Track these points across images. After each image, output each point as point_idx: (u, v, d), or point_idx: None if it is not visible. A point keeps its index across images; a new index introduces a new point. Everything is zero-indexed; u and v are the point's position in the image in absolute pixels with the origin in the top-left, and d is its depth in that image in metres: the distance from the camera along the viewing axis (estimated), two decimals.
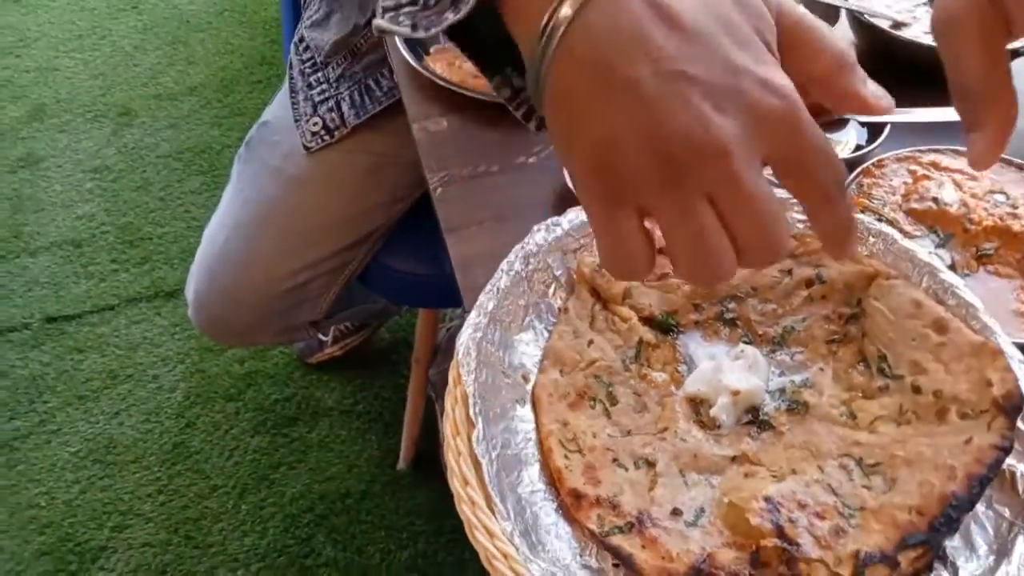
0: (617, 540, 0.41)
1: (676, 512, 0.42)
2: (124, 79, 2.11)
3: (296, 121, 0.93)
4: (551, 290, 0.50)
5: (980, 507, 0.39)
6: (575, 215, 0.52)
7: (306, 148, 0.90)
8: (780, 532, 0.40)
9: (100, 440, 1.42)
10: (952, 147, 0.60)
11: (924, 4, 0.77)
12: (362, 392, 1.46)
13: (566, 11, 0.31)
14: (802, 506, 0.41)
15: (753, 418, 0.46)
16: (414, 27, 0.38)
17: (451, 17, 0.36)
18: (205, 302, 0.95)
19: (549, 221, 0.52)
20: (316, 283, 0.97)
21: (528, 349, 0.48)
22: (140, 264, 1.68)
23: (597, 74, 0.31)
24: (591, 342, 0.49)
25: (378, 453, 1.38)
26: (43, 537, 1.30)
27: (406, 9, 0.39)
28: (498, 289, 0.48)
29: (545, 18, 0.32)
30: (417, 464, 1.34)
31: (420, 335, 1.23)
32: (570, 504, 0.42)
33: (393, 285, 1.05)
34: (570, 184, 0.52)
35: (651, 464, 0.44)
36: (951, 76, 0.37)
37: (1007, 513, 0.39)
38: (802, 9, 0.36)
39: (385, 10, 0.39)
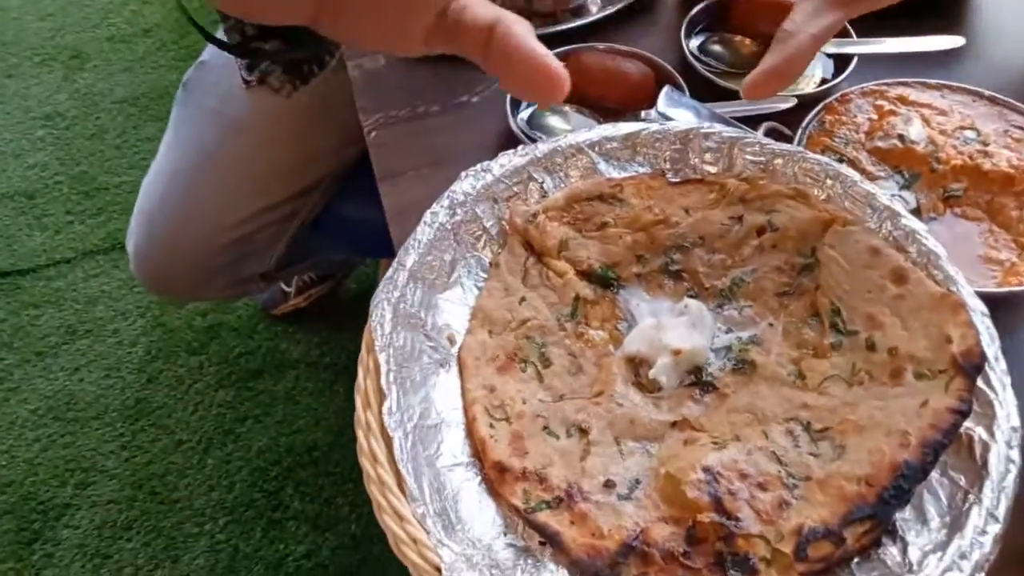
0: (543, 517, 0.37)
1: (608, 484, 0.39)
2: (75, 20, 2.00)
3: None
4: (480, 243, 0.46)
5: (934, 474, 0.36)
6: (507, 160, 0.47)
7: (246, 83, 0.84)
8: (719, 505, 0.36)
9: (60, 397, 1.38)
10: (921, 80, 0.55)
11: None
12: (328, 344, 1.43)
13: None
14: (743, 476, 0.38)
15: (696, 379, 0.43)
16: None
17: None
18: (145, 255, 0.90)
19: (478, 166, 0.47)
20: (263, 234, 0.92)
21: (454, 308, 0.44)
22: (96, 215, 1.62)
23: None
24: (523, 299, 0.45)
25: (345, 405, 1.35)
26: (4, 496, 1.28)
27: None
28: (419, 243, 0.44)
29: None
30: None
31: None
32: (493, 478, 0.39)
33: (347, 234, 1.00)
34: (513, 245, 0.48)
35: (584, 431, 0.41)
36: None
37: (962, 481, 0.36)
38: None
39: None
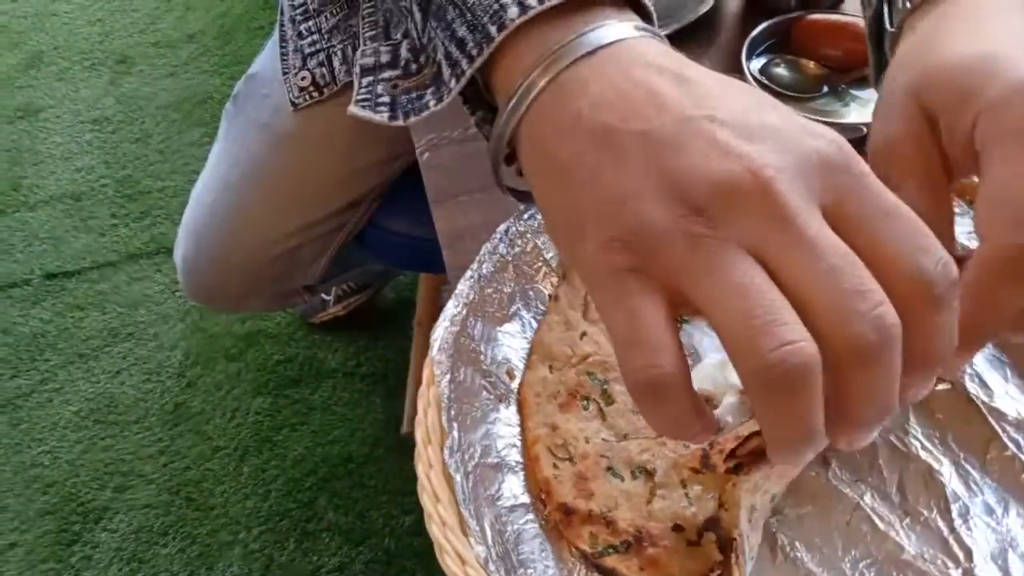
0: (612, 561, 0.36)
1: (677, 528, 0.38)
2: (122, 25, 2.04)
3: (284, 74, 0.87)
4: (540, 275, 0.45)
5: (1020, 532, 0.35)
6: None
7: (293, 104, 0.84)
8: None
9: (101, 399, 1.40)
10: None
11: None
12: (366, 353, 1.43)
13: (548, 70, 0.28)
14: None
15: None
16: (393, 115, 0.34)
17: (432, 104, 0.33)
18: (193, 268, 0.91)
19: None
20: (310, 247, 0.92)
21: (514, 342, 0.43)
22: (140, 219, 1.64)
23: (606, 136, 0.26)
24: (584, 334, 0.44)
25: (382, 416, 1.35)
26: (47, 496, 1.30)
27: (386, 74, 0.35)
28: (479, 276, 0.43)
29: (520, 83, 0.29)
30: None
31: (422, 298, 1.19)
32: (559, 520, 0.38)
33: (391, 248, 1.00)
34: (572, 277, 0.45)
35: (650, 473, 0.40)
36: None
37: None
38: None
39: (363, 70, 0.36)
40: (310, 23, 0.88)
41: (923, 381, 0.26)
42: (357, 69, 0.37)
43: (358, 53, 0.37)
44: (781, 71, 0.64)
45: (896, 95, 0.33)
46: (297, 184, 0.88)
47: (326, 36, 0.86)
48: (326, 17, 0.86)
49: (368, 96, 0.35)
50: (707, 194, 0.24)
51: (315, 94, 0.83)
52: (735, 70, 0.63)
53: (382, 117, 0.35)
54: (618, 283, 0.26)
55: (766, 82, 0.63)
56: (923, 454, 0.38)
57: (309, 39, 0.87)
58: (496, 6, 0.30)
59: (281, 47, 0.88)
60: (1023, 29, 0.32)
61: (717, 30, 0.69)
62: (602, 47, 0.28)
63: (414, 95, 0.34)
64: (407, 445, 1.46)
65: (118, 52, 1.97)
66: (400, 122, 0.35)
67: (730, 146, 0.25)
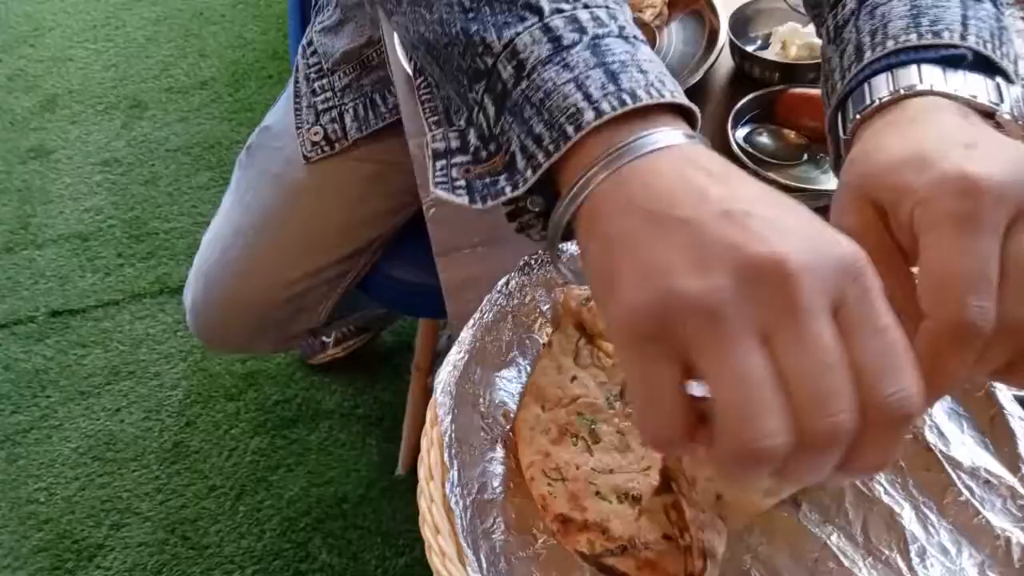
0: (611, 560, 0.40)
1: (668, 537, 0.41)
2: (136, 71, 2.10)
3: (298, 128, 0.92)
4: (536, 325, 0.49)
5: (972, 571, 0.38)
6: (565, 247, 0.50)
7: (306, 158, 0.89)
8: None
9: (100, 437, 1.42)
10: None
11: None
12: (363, 395, 1.45)
13: (610, 165, 0.33)
14: None
15: None
16: (471, 199, 0.39)
17: (508, 191, 0.38)
18: (202, 310, 0.94)
19: (538, 253, 0.50)
20: (315, 292, 0.96)
21: (510, 386, 0.47)
22: (146, 259, 1.68)
23: (653, 215, 0.31)
24: (574, 378, 0.47)
25: (377, 458, 1.37)
26: (41, 533, 1.31)
27: (458, 159, 0.40)
28: (481, 324, 0.47)
29: (584, 172, 0.33)
30: (416, 470, 1.33)
31: (420, 342, 1.22)
32: (558, 529, 0.41)
33: (393, 294, 1.04)
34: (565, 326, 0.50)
35: (636, 499, 0.43)
36: None
37: None
38: None
39: (436, 154, 0.40)
40: (323, 81, 0.93)
41: (855, 472, 0.29)
42: (429, 152, 0.41)
43: (428, 137, 0.42)
44: (764, 140, 0.69)
45: (847, 194, 0.38)
46: (305, 232, 0.92)
47: (339, 94, 0.91)
48: (339, 76, 0.91)
49: (445, 179, 0.39)
50: (735, 275, 0.28)
51: (327, 148, 0.88)
52: (722, 138, 0.68)
53: (463, 200, 0.39)
54: (640, 347, 0.29)
55: (750, 150, 0.67)
56: (886, 498, 0.41)
57: (322, 96, 0.92)
58: (574, 109, 0.35)
59: (295, 102, 0.93)
60: (949, 126, 0.37)
61: (706, 100, 0.74)
62: (657, 149, 0.33)
63: (488, 180, 0.38)
64: (402, 487, 1.48)
65: (131, 97, 2.03)
66: (479, 206, 0.39)
67: (763, 236, 0.28)
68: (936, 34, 0.41)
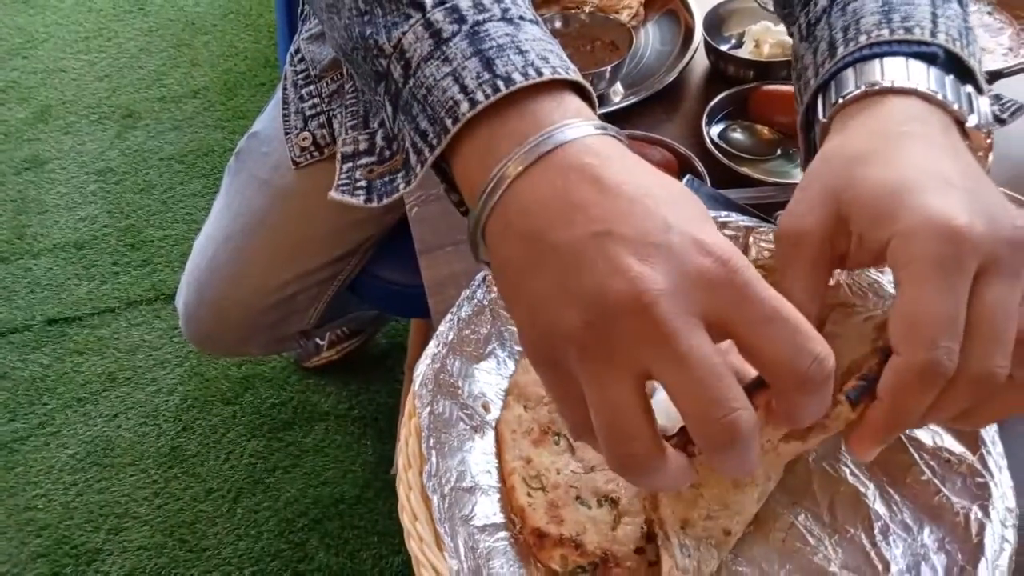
0: None
1: (639, 551, 0.42)
2: (129, 81, 2.12)
3: (286, 134, 0.93)
4: None
5: (932, 547, 0.39)
6: None
7: (295, 163, 0.90)
8: None
9: (98, 443, 1.43)
10: None
11: None
12: (358, 397, 1.47)
13: (498, 188, 0.33)
14: None
15: None
16: (368, 198, 0.40)
17: (402, 187, 0.39)
18: (194, 314, 0.95)
19: None
20: (305, 295, 0.97)
21: (489, 378, 0.48)
22: (141, 267, 1.70)
23: (528, 243, 0.32)
24: None
25: (372, 458, 1.39)
26: (40, 539, 1.32)
27: (363, 161, 0.41)
28: (459, 318, 0.48)
29: (479, 195, 0.34)
30: None
31: (412, 343, 1.23)
32: (533, 543, 0.42)
33: (383, 295, 1.05)
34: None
35: (614, 502, 0.44)
36: (780, 283, 0.38)
37: (959, 557, 0.38)
38: None
39: (344, 158, 0.41)
40: (311, 87, 0.94)
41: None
42: (338, 156, 0.43)
43: (339, 142, 0.44)
44: (738, 136, 0.70)
45: (817, 192, 0.38)
46: (294, 236, 0.94)
47: (326, 100, 0.92)
48: (327, 83, 0.92)
49: (348, 182, 0.41)
50: (600, 311, 0.30)
51: (315, 153, 0.89)
52: (697, 135, 0.70)
53: (359, 200, 0.41)
54: (544, 371, 0.32)
55: (724, 145, 0.69)
56: (851, 479, 0.43)
57: (310, 102, 0.93)
58: (451, 103, 0.36)
59: (283, 108, 0.94)
60: (934, 150, 0.37)
61: (682, 98, 0.76)
62: (540, 158, 0.33)
63: (387, 179, 0.40)
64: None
65: (125, 107, 2.04)
66: (375, 204, 0.40)
67: (622, 267, 0.29)
68: (908, 30, 0.41)
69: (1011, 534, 0.38)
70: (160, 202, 1.82)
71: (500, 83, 0.35)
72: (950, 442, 0.43)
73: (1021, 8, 0.75)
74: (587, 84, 0.38)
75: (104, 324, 1.60)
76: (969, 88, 0.41)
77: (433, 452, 0.43)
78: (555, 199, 0.32)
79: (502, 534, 0.42)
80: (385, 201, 0.40)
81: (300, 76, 0.95)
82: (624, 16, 0.79)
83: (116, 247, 1.73)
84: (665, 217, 0.31)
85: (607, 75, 0.74)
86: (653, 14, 0.83)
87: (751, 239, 0.51)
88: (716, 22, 0.78)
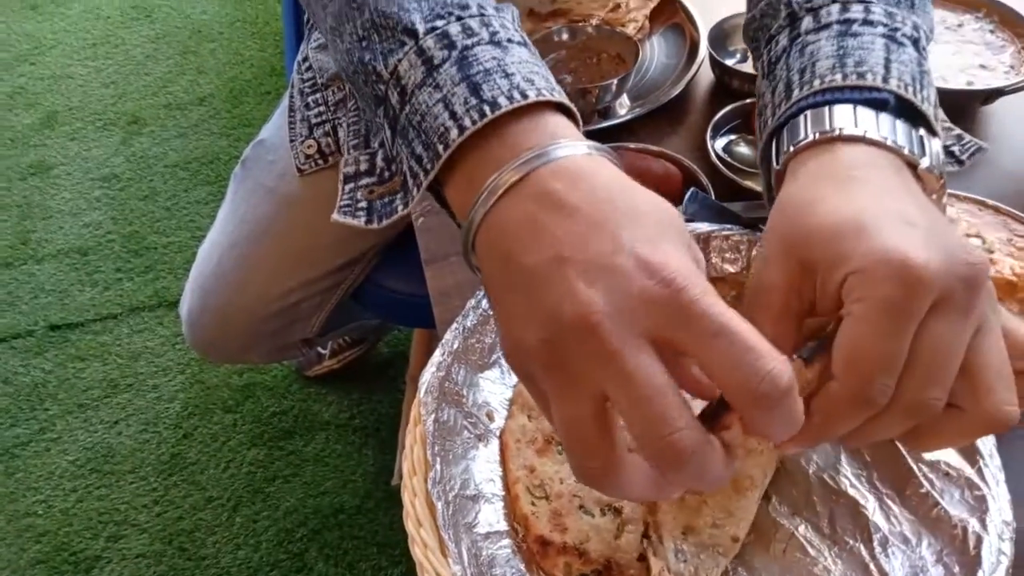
0: None
1: (642, 559, 0.42)
2: (135, 88, 2.13)
3: (291, 141, 0.94)
4: None
5: (930, 559, 0.39)
6: None
7: (299, 171, 0.91)
8: None
9: (99, 449, 1.43)
10: None
11: None
12: (359, 406, 1.47)
13: (480, 211, 0.36)
14: None
15: None
16: (369, 219, 0.42)
17: (400, 209, 0.41)
18: (197, 321, 0.96)
19: None
20: (308, 303, 0.97)
21: (494, 387, 0.49)
22: (144, 273, 1.70)
23: (504, 263, 0.34)
24: None
25: (373, 469, 1.39)
26: (39, 546, 1.32)
27: (364, 181, 0.43)
28: (464, 327, 0.49)
29: (468, 216, 0.36)
30: None
31: (415, 353, 1.24)
32: (536, 551, 0.42)
33: (386, 304, 1.05)
34: None
35: (618, 510, 0.44)
36: None
37: (956, 570, 0.39)
38: None
39: (346, 178, 0.43)
40: (317, 95, 0.95)
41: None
42: (341, 177, 0.44)
43: (341, 162, 0.45)
44: (742, 149, 0.71)
45: (776, 244, 0.38)
46: (298, 243, 0.94)
47: (332, 108, 0.93)
48: (333, 91, 0.93)
49: (350, 203, 0.42)
50: (557, 330, 0.32)
51: (320, 161, 0.90)
52: (701, 148, 0.70)
53: (360, 222, 0.42)
54: (522, 382, 0.35)
55: (729, 159, 0.69)
56: (852, 491, 0.43)
57: (316, 110, 0.94)
58: (442, 129, 0.38)
59: (290, 116, 0.95)
60: (887, 192, 0.37)
61: (687, 111, 0.76)
62: (514, 184, 0.35)
63: (387, 200, 0.41)
64: (397, 497, 1.49)
65: (130, 113, 2.06)
66: (375, 225, 0.42)
67: (572, 290, 0.31)
68: (860, 75, 0.42)
69: (1008, 547, 0.39)
70: (164, 209, 1.83)
71: (487, 108, 0.37)
72: (948, 454, 0.43)
73: (1022, 27, 0.76)
74: (570, 104, 0.39)
75: (106, 330, 1.61)
76: (922, 131, 0.41)
77: (438, 459, 0.43)
78: (525, 223, 0.34)
79: (505, 542, 0.43)
80: (385, 222, 0.41)
81: (307, 84, 0.96)
82: (630, 29, 0.80)
83: (120, 253, 1.74)
84: (618, 239, 0.32)
85: (613, 88, 0.74)
86: (658, 27, 0.83)
87: (754, 252, 0.52)
88: (721, 36, 0.79)
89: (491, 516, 0.44)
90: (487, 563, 0.41)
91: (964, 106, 0.72)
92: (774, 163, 0.44)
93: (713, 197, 0.63)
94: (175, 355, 1.56)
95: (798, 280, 0.37)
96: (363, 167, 0.43)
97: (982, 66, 0.73)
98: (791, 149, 0.42)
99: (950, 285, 0.33)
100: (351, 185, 0.42)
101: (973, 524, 0.40)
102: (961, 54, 0.75)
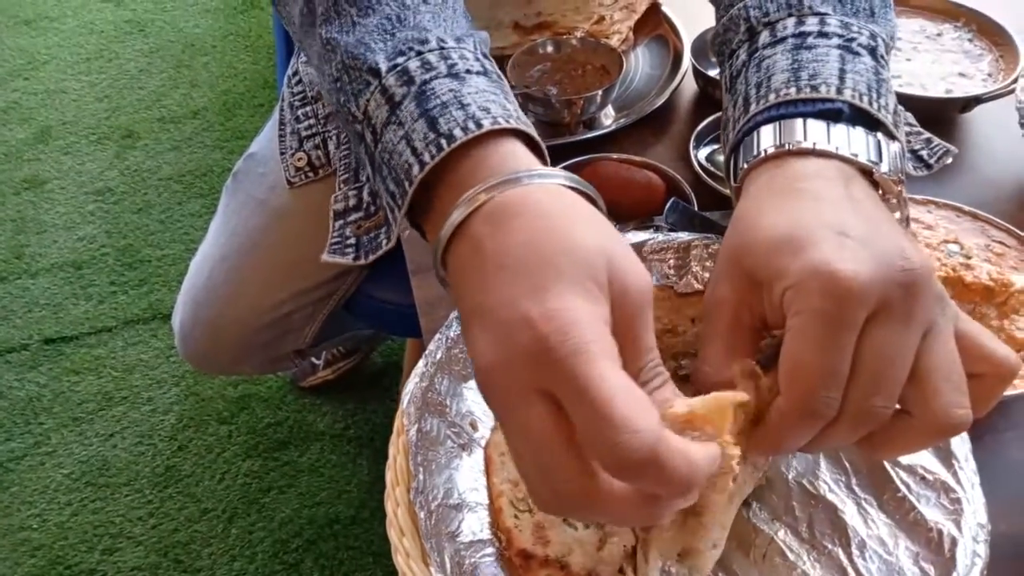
0: None
1: (622, 571, 0.43)
2: (129, 102, 2.14)
3: (282, 154, 0.94)
4: None
5: (908, 563, 0.40)
6: None
7: (289, 183, 0.91)
8: None
9: (93, 462, 1.44)
10: (910, 196, 0.61)
11: None
12: (353, 416, 1.47)
13: (439, 252, 0.38)
14: None
15: None
16: (357, 256, 0.43)
17: (385, 244, 0.42)
18: (189, 333, 0.96)
19: None
20: (300, 314, 0.98)
21: (477, 397, 0.49)
22: (138, 286, 1.71)
23: (456, 297, 0.37)
24: None
25: (368, 478, 1.39)
26: (34, 560, 1.32)
27: (352, 217, 0.44)
28: (447, 337, 0.49)
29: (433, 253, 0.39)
30: None
31: (408, 363, 1.24)
32: (519, 564, 0.43)
33: (378, 314, 1.06)
34: None
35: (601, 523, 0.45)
36: (698, 350, 0.40)
37: (932, 572, 0.39)
38: None
39: (335, 215, 0.45)
40: (307, 108, 0.96)
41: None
42: (331, 214, 0.46)
43: (332, 199, 0.47)
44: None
45: (726, 260, 0.39)
46: (289, 255, 0.95)
47: (322, 121, 0.94)
48: (323, 105, 0.94)
49: (339, 240, 0.44)
50: (476, 373, 0.34)
51: (310, 174, 0.91)
52: (684, 157, 0.71)
53: (348, 259, 0.44)
54: None
55: (712, 168, 0.70)
56: (830, 496, 0.44)
57: (306, 123, 0.95)
58: (407, 165, 0.39)
59: (280, 129, 0.96)
60: (827, 202, 0.38)
61: (671, 121, 0.77)
62: (461, 222, 0.36)
63: (372, 235, 0.43)
64: None
65: (124, 127, 2.06)
66: (363, 261, 0.43)
67: (474, 339, 0.33)
68: (814, 88, 0.43)
69: (983, 549, 0.39)
70: (158, 222, 1.83)
71: (443, 141, 0.38)
72: (925, 458, 0.44)
73: (1000, 35, 0.77)
74: (527, 127, 0.40)
75: (101, 344, 1.61)
76: (879, 136, 0.42)
77: (420, 469, 0.44)
78: (459, 270, 0.36)
79: (488, 550, 0.43)
80: (371, 258, 0.43)
81: (297, 97, 0.96)
82: (614, 41, 0.81)
83: (114, 267, 1.74)
84: (509, 291, 0.33)
85: (598, 99, 0.75)
86: (642, 39, 0.84)
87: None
88: (704, 47, 0.80)
89: (474, 525, 0.44)
90: (470, 572, 0.42)
91: (943, 114, 0.73)
92: (732, 180, 0.45)
93: (696, 206, 0.64)
94: (169, 368, 1.56)
95: (747, 294, 0.38)
96: (351, 203, 0.44)
97: (961, 74, 0.74)
98: (745, 165, 0.42)
99: (887, 293, 0.33)
100: (340, 222, 0.43)
101: (949, 527, 0.40)
102: (940, 62, 0.76)
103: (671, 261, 0.53)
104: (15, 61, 2.27)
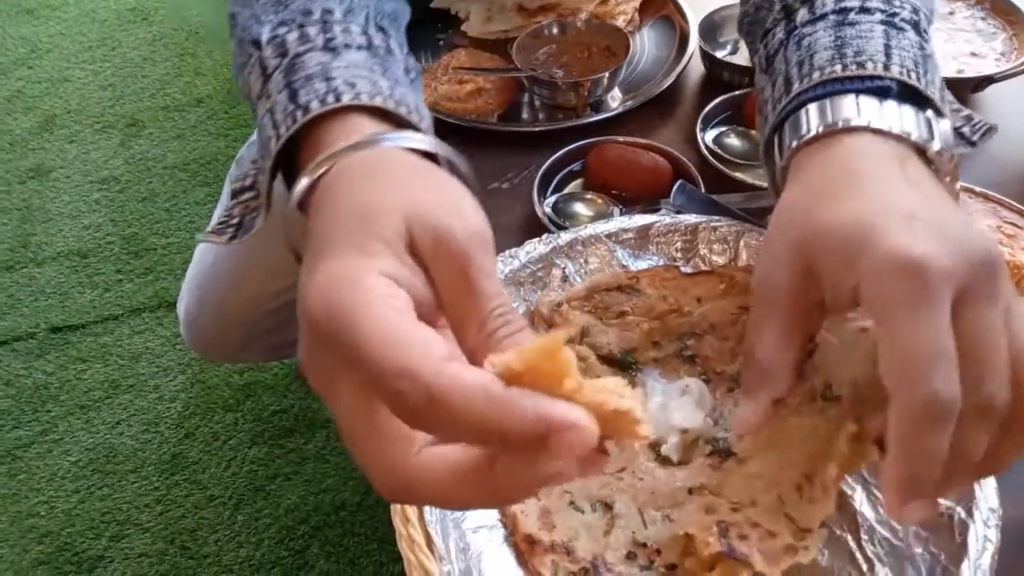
0: None
1: (630, 556, 0.42)
2: (133, 90, 2.14)
3: None
4: None
5: (917, 549, 0.39)
6: (532, 247, 0.52)
7: None
8: (731, 550, 0.39)
9: (100, 450, 1.44)
10: None
11: None
12: None
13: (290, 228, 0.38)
14: (755, 526, 0.40)
15: (714, 448, 0.46)
16: (234, 236, 0.42)
17: (258, 223, 0.41)
18: (194, 321, 0.96)
19: (506, 253, 0.52)
20: None
21: None
22: (144, 275, 1.71)
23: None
24: None
25: None
26: (42, 546, 1.32)
27: (245, 196, 0.43)
28: None
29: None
30: None
31: None
32: (524, 550, 0.42)
33: None
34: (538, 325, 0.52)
35: (608, 506, 0.44)
36: (747, 335, 0.38)
37: (942, 557, 0.39)
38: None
39: (234, 194, 0.43)
40: None
41: None
42: (230, 192, 0.44)
43: (228, 176, 0.46)
44: (733, 141, 0.70)
45: (782, 245, 0.38)
46: None
47: None
48: None
49: (225, 220, 0.42)
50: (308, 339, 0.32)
51: None
52: (691, 140, 0.70)
53: (224, 239, 0.42)
54: None
55: (719, 151, 0.69)
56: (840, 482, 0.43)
57: None
58: (267, 139, 0.38)
59: None
60: (890, 186, 0.36)
61: (677, 103, 0.76)
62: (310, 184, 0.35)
63: (254, 215, 0.41)
64: None
65: (129, 116, 2.06)
66: (237, 242, 0.42)
67: (307, 291, 0.30)
68: (860, 65, 0.41)
69: (993, 534, 0.39)
70: (163, 210, 1.83)
71: (299, 113, 0.37)
72: None
73: (1014, 14, 0.75)
74: (395, 108, 0.38)
75: (107, 332, 1.61)
76: (929, 114, 0.40)
77: None
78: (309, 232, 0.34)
79: (495, 536, 0.43)
80: (245, 237, 0.41)
81: None
82: (620, 22, 0.80)
83: (119, 255, 1.74)
84: (306, 266, 0.32)
85: (604, 81, 0.74)
86: (648, 20, 0.83)
87: (742, 243, 0.52)
88: (711, 28, 0.79)
89: (479, 512, 0.44)
90: (476, 558, 0.41)
91: (955, 93, 0.72)
92: (778, 159, 0.43)
93: (703, 189, 0.63)
94: (176, 355, 1.56)
95: (805, 280, 0.36)
96: (248, 182, 0.43)
97: (973, 54, 0.73)
98: (794, 144, 0.41)
99: (968, 274, 0.32)
100: (234, 200, 0.41)
101: (959, 512, 0.40)
102: (952, 41, 0.74)
103: (678, 243, 0.52)
104: (18, 50, 2.26)
